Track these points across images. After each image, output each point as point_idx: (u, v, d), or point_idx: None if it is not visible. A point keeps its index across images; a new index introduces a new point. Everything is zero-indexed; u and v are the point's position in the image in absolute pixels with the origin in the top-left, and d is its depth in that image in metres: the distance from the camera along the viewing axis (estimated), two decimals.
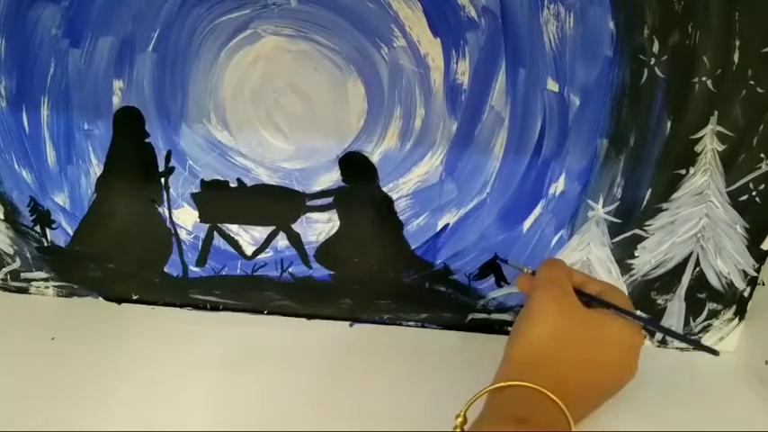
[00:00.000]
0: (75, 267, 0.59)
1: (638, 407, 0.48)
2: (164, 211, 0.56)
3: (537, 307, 0.43)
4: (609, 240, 0.54)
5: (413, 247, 0.55)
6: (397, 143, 0.52)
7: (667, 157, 0.50)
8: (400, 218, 0.54)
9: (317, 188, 0.54)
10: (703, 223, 0.52)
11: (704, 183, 0.51)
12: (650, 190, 0.51)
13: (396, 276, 0.57)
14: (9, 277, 0.60)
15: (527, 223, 0.54)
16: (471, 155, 0.52)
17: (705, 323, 0.56)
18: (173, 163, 0.54)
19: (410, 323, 0.59)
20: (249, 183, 0.54)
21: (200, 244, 0.57)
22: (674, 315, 0.56)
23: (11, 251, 0.58)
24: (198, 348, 0.53)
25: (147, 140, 0.53)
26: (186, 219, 0.56)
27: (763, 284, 0.54)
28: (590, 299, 0.45)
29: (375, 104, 0.50)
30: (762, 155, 0.50)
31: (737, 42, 0.46)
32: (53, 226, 0.57)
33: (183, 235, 0.57)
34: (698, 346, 0.53)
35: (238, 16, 0.48)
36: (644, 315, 0.55)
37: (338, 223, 0.55)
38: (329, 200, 0.54)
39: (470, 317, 0.58)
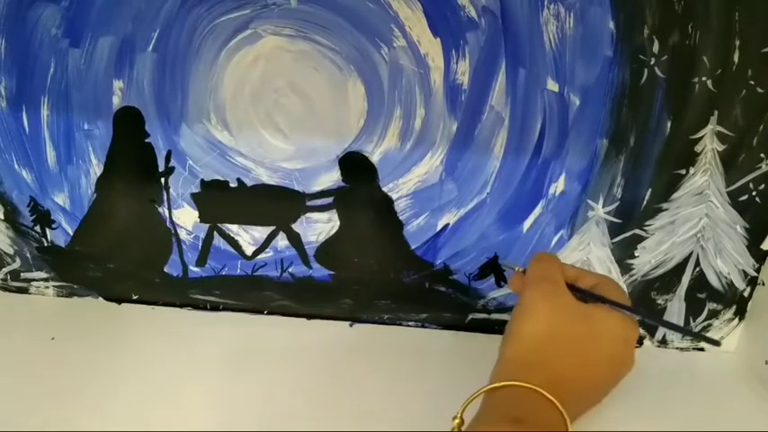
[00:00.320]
0: (75, 267, 0.59)
1: (638, 407, 0.48)
2: (164, 211, 0.56)
3: (528, 305, 0.43)
4: (609, 240, 0.54)
5: (413, 247, 0.55)
6: (397, 143, 0.52)
7: (667, 157, 0.50)
8: (400, 218, 0.54)
9: (317, 188, 0.54)
10: (703, 223, 0.52)
11: (704, 183, 0.51)
12: (650, 190, 0.51)
13: (396, 276, 0.57)
14: (9, 277, 0.60)
15: (527, 223, 0.54)
16: (471, 155, 0.51)
17: (705, 323, 0.56)
18: (173, 163, 0.54)
19: (410, 323, 0.59)
20: (249, 183, 0.54)
21: (200, 244, 0.57)
22: (674, 315, 0.56)
23: (11, 251, 0.58)
24: (198, 348, 0.53)
25: (147, 140, 0.53)
26: (186, 219, 0.56)
27: (763, 284, 0.54)
28: (584, 294, 0.44)
29: (375, 104, 0.50)
30: (762, 155, 0.50)
31: (737, 42, 0.46)
32: (53, 226, 0.57)
33: (183, 235, 0.57)
34: (697, 336, 0.52)
35: (238, 16, 0.48)
36: (639, 308, 0.54)
37: (338, 223, 0.55)
38: (329, 200, 0.54)
39: (470, 317, 0.58)
